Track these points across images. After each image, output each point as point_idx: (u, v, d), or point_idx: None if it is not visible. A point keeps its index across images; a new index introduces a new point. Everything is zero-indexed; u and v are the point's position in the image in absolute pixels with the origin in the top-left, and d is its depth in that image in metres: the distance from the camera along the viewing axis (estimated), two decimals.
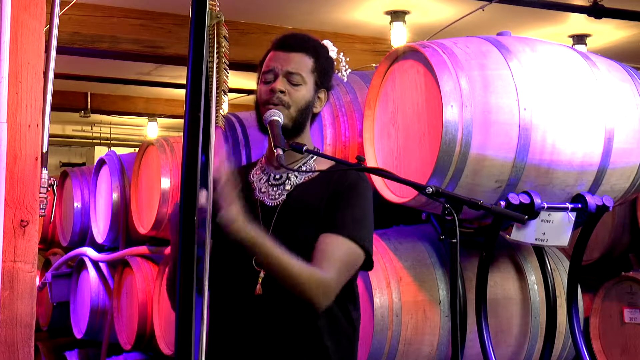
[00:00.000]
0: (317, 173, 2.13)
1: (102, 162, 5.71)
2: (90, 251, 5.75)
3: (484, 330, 3.34)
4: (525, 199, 3.17)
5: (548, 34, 6.90)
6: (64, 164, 12.60)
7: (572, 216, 3.30)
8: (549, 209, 3.24)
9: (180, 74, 8.76)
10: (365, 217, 2.07)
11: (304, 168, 2.14)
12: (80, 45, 6.48)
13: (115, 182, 5.39)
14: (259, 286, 2.01)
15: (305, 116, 2.13)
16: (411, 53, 3.34)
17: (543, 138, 3.19)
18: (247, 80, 8.29)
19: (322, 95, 2.18)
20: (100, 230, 5.68)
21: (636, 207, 4.57)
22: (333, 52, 2.23)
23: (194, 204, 1.42)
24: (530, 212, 3.18)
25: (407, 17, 6.54)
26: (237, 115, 4.45)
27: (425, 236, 3.65)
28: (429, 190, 2.02)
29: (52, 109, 2.39)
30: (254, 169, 2.21)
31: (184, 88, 1.37)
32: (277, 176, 2.14)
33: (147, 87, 9.58)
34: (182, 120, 1.43)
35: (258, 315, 2.02)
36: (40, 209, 2.33)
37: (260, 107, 2.11)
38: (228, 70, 1.75)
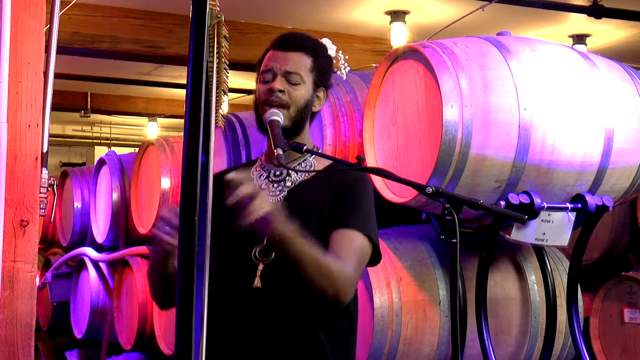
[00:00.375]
0: (317, 172, 2.14)
1: (102, 162, 5.72)
2: (90, 251, 5.75)
3: (484, 330, 3.34)
4: (525, 199, 3.18)
5: (548, 34, 6.90)
6: (64, 164, 12.60)
7: (572, 216, 3.30)
8: (549, 208, 3.24)
9: (180, 74, 8.76)
10: (371, 213, 2.10)
11: (303, 165, 2.15)
12: (80, 45, 6.48)
13: (115, 182, 5.39)
14: (257, 279, 2.01)
15: (305, 115, 2.14)
16: (411, 53, 3.34)
17: (543, 138, 3.19)
18: (247, 80, 8.29)
19: (321, 94, 2.18)
20: (100, 230, 5.68)
21: (636, 207, 4.57)
22: (332, 50, 2.24)
23: (194, 204, 1.42)
24: (530, 212, 3.18)
25: (407, 17, 6.53)
26: (237, 115, 4.45)
27: (425, 236, 3.65)
28: (429, 190, 2.02)
29: (52, 109, 2.39)
30: (254, 166, 2.22)
31: (184, 88, 1.37)
32: (277, 173, 2.15)
33: (147, 87, 9.58)
34: (182, 120, 1.43)
35: (256, 309, 2.02)
36: (41, 208, 2.33)
37: (259, 107, 2.12)
38: (228, 70, 1.75)
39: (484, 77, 3.16)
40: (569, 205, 3.30)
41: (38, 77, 2.33)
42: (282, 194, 2.11)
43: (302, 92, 2.12)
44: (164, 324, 4.84)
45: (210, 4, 1.43)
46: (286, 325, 2.03)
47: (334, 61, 2.24)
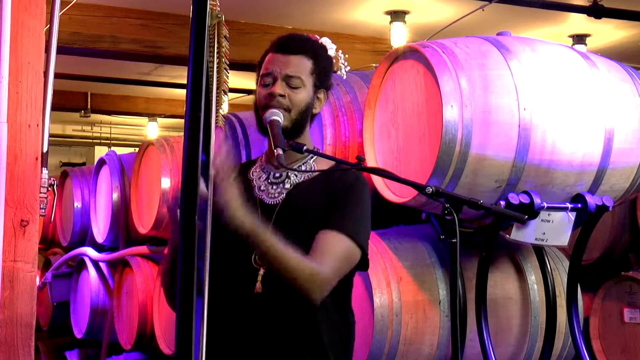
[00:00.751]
0: (317, 173, 2.13)
1: (102, 162, 5.71)
2: (90, 251, 5.74)
3: (484, 330, 3.34)
4: (525, 199, 3.18)
5: (548, 34, 6.91)
6: (64, 164, 12.61)
7: (572, 216, 3.30)
8: (549, 208, 3.24)
9: (180, 74, 8.76)
10: (363, 217, 2.08)
11: (303, 168, 2.15)
12: (80, 45, 6.48)
13: (116, 182, 5.39)
14: (258, 284, 2.01)
15: (305, 118, 2.14)
16: (411, 53, 3.34)
17: (543, 138, 3.19)
18: (247, 80, 8.30)
19: (321, 95, 2.18)
20: (100, 230, 5.68)
21: (636, 207, 4.57)
22: (332, 50, 2.23)
23: (194, 204, 1.42)
24: (530, 212, 3.18)
25: (407, 17, 6.54)
26: (237, 115, 4.45)
27: (425, 236, 3.65)
28: (429, 190, 2.02)
29: (52, 108, 2.39)
30: (254, 166, 2.22)
31: (184, 88, 1.37)
32: (277, 175, 2.14)
33: (147, 87, 9.58)
34: (182, 120, 1.43)
35: (258, 313, 2.02)
36: (41, 208, 2.33)
37: (260, 110, 2.12)
38: (228, 70, 1.75)
39: (484, 77, 3.16)
40: (569, 205, 3.30)
41: (38, 77, 2.33)
42: (281, 196, 2.11)
43: (303, 95, 2.12)
44: (164, 324, 4.84)
45: (210, 4, 1.43)
46: (287, 329, 2.03)
47: (334, 61, 2.24)
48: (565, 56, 3.41)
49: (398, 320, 3.35)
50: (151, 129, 11.39)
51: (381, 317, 3.32)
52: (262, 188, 2.14)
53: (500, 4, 5.83)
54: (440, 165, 3.10)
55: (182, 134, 1.44)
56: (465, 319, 3.36)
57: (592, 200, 3.31)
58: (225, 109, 1.83)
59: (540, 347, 3.61)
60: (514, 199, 3.16)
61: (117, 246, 5.51)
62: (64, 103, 9.83)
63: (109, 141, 12.68)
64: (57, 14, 2.45)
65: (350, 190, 2.09)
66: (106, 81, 9.12)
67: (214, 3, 1.52)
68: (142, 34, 6.49)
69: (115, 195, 5.36)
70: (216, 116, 1.72)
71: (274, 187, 2.13)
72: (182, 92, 9.33)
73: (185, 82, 1.37)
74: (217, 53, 1.66)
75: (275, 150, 1.99)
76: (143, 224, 4.97)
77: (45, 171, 2.36)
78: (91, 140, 12.85)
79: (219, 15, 1.56)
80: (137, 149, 5.38)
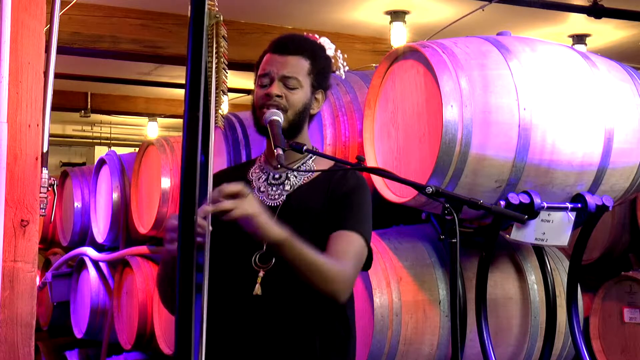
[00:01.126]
0: (316, 173, 2.13)
1: (102, 162, 5.71)
2: (90, 251, 5.74)
3: (484, 330, 3.34)
4: (525, 199, 3.18)
5: (548, 34, 6.90)
6: (64, 164, 12.60)
7: (571, 216, 3.30)
8: (549, 208, 3.24)
9: (180, 74, 8.76)
10: (368, 217, 2.11)
11: (303, 168, 2.15)
12: (80, 45, 6.48)
13: (116, 182, 5.39)
14: (257, 286, 2.01)
15: (303, 118, 2.14)
16: (411, 53, 3.34)
17: (543, 138, 3.19)
18: (247, 80, 8.29)
19: (319, 96, 2.18)
20: (100, 230, 5.68)
21: (636, 207, 4.57)
22: (330, 49, 2.23)
23: (194, 204, 1.42)
24: (530, 212, 3.18)
25: (407, 17, 6.54)
26: (237, 115, 4.45)
27: (425, 236, 3.65)
28: (429, 190, 2.02)
29: (52, 108, 2.39)
30: (253, 167, 2.21)
31: (184, 88, 1.37)
32: (277, 176, 2.14)
33: (147, 87, 9.58)
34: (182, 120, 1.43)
35: (257, 316, 2.02)
36: (41, 208, 2.33)
37: (257, 110, 2.12)
38: (227, 70, 1.75)
39: (484, 77, 3.16)
40: (569, 205, 3.30)
41: (38, 77, 2.33)
42: (281, 198, 2.11)
43: (300, 95, 2.11)
44: (164, 323, 4.84)
45: (208, 4, 1.43)
46: (285, 333, 2.03)
47: (333, 61, 2.24)
48: (565, 56, 3.41)
49: (398, 320, 3.35)
50: (151, 129, 11.39)
51: (381, 317, 3.32)
52: (261, 189, 2.14)
53: (500, 4, 5.83)
54: (440, 165, 3.10)
55: (182, 133, 1.44)
56: (465, 319, 3.36)
57: (592, 200, 3.31)
58: (224, 109, 1.84)
59: (540, 347, 3.61)
60: (514, 199, 3.16)
61: (117, 246, 5.51)
62: (64, 103, 9.83)
63: (109, 141, 12.68)
64: (57, 14, 2.45)
65: (357, 191, 2.10)
66: (106, 81, 9.12)
67: (212, 3, 1.52)
68: (142, 34, 6.49)
69: (115, 195, 5.36)
70: (216, 116, 1.72)
71: (274, 188, 2.13)
72: (182, 92, 9.29)
73: (184, 82, 1.38)
74: (216, 53, 1.66)
75: (275, 150, 1.99)
76: (143, 224, 4.97)
77: (45, 171, 2.36)
78: (91, 140, 12.85)
79: (217, 15, 1.56)
80: (137, 149, 5.38)
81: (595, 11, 6.01)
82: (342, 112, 3.72)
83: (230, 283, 2.05)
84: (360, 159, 2.08)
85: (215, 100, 1.71)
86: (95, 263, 5.69)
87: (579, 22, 6.71)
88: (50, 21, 2.45)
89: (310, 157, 2.17)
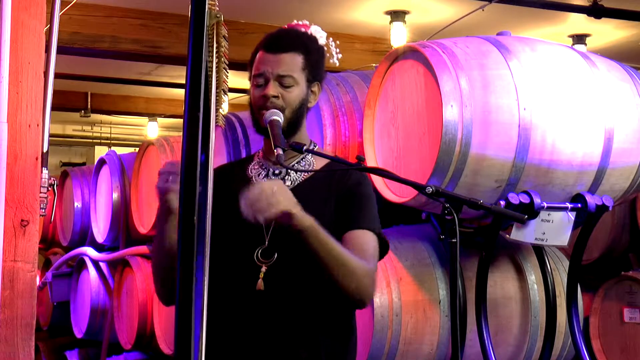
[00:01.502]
0: (317, 171, 2.14)
1: (102, 161, 5.72)
2: (90, 251, 5.75)
3: (484, 330, 3.34)
4: (525, 199, 3.18)
5: (548, 34, 6.90)
6: (64, 164, 12.60)
7: (571, 216, 3.30)
8: (549, 208, 3.24)
9: (180, 74, 8.76)
10: (376, 211, 2.13)
11: (302, 164, 2.15)
12: (80, 45, 6.48)
13: (116, 181, 5.39)
14: (260, 281, 2.01)
15: (301, 114, 2.14)
16: (411, 53, 3.34)
17: (543, 138, 3.19)
18: (247, 80, 8.28)
19: (315, 88, 2.18)
20: (100, 229, 5.68)
21: (636, 207, 4.57)
22: (322, 38, 2.22)
23: (194, 204, 1.42)
24: (530, 211, 3.18)
25: (407, 17, 6.54)
26: (237, 115, 4.45)
27: (425, 236, 3.66)
28: (429, 190, 2.02)
29: (53, 108, 2.39)
30: (252, 163, 2.21)
31: (184, 88, 1.37)
32: (277, 171, 2.15)
33: (147, 87, 9.58)
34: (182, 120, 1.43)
35: (259, 311, 2.02)
36: (41, 208, 2.33)
37: (255, 111, 2.12)
38: (228, 70, 1.75)
39: (484, 77, 3.16)
40: (569, 205, 3.30)
41: (38, 77, 2.33)
42: None
43: (296, 93, 2.11)
44: (164, 323, 4.84)
45: (209, 4, 1.43)
46: (288, 328, 2.03)
47: (325, 49, 2.23)
48: (565, 56, 3.41)
49: (398, 320, 3.35)
50: (151, 129, 11.40)
51: (381, 317, 3.32)
52: None
53: (500, 4, 5.83)
54: (440, 165, 3.10)
55: (182, 133, 1.44)
56: (465, 319, 3.36)
57: (592, 200, 3.31)
58: (225, 108, 1.83)
59: (540, 346, 3.62)
60: (514, 198, 3.16)
61: (117, 246, 5.52)
62: (64, 103, 9.83)
63: (109, 141, 12.68)
64: (57, 14, 2.45)
65: (361, 186, 2.12)
66: (106, 81, 9.12)
67: (213, 3, 1.51)
68: (142, 34, 6.49)
69: (115, 195, 5.37)
70: (216, 116, 1.72)
71: None
72: (182, 92, 9.30)
73: (184, 82, 1.38)
74: (216, 53, 1.66)
75: (275, 150, 1.99)
76: (143, 224, 4.97)
77: (45, 171, 2.36)
78: (91, 140, 12.85)
79: (218, 15, 1.55)
80: (137, 149, 5.38)
81: (595, 11, 6.01)
82: (342, 112, 3.72)
83: (233, 279, 2.05)
84: (360, 158, 2.08)
85: (216, 99, 1.71)
86: (96, 263, 5.70)
87: (579, 22, 6.71)
88: (50, 21, 2.44)
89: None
